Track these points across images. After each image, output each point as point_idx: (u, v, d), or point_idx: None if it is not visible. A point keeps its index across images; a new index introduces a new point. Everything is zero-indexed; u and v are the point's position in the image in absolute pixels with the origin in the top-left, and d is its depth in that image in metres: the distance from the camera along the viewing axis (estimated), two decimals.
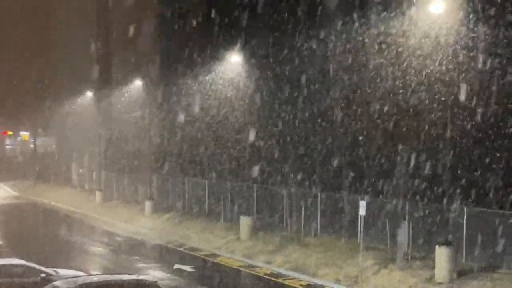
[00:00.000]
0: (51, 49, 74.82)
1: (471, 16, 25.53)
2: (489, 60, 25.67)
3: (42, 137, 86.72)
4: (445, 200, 25.88)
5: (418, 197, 28.16)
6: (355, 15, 30.96)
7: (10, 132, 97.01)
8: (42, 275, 22.12)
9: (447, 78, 25.90)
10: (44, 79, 77.09)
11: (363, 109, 31.02)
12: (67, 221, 50.17)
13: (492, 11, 25.13)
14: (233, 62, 39.01)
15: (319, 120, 34.13)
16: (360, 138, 31.61)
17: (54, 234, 42.40)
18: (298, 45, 34.97)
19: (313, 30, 33.95)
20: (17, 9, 79.95)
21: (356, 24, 31.02)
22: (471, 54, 25.81)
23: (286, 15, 36.29)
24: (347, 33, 31.73)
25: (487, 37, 25.45)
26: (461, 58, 25.60)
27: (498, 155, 25.94)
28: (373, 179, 30.35)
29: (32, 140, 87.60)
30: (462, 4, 25.52)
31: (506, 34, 25.04)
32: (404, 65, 28.66)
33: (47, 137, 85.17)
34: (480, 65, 25.68)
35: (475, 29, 25.63)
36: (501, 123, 25.96)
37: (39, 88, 77.76)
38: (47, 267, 23.27)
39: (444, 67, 26.25)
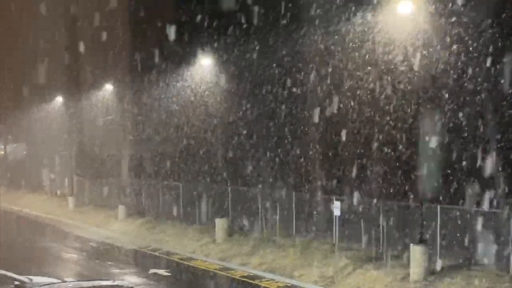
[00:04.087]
0: (19, 54, 73.99)
1: None
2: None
3: (12, 143, 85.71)
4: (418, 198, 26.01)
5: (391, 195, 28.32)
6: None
7: None
8: (16, 283, 21.92)
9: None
10: (12, 84, 76.18)
11: (341, 110, 30.99)
12: (40, 227, 49.65)
13: None
14: (203, 65, 38.89)
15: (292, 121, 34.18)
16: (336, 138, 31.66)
17: (27, 240, 41.89)
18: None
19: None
20: None
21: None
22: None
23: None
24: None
25: None
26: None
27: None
28: (348, 180, 30.41)
29: (2, 147, 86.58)
30: None
31: None
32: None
33: (18, 143, 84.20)
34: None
35: None
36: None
37: (8, 94, 76.83)
38: (20, 275, 23.01)
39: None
